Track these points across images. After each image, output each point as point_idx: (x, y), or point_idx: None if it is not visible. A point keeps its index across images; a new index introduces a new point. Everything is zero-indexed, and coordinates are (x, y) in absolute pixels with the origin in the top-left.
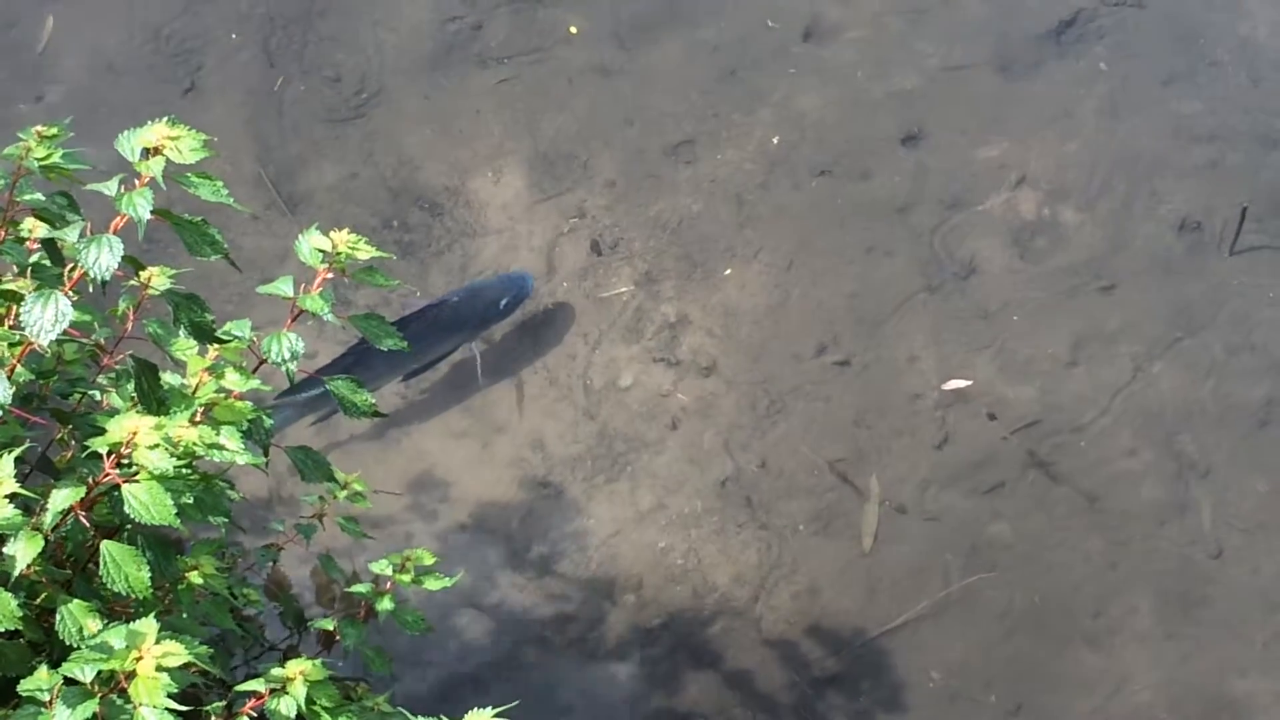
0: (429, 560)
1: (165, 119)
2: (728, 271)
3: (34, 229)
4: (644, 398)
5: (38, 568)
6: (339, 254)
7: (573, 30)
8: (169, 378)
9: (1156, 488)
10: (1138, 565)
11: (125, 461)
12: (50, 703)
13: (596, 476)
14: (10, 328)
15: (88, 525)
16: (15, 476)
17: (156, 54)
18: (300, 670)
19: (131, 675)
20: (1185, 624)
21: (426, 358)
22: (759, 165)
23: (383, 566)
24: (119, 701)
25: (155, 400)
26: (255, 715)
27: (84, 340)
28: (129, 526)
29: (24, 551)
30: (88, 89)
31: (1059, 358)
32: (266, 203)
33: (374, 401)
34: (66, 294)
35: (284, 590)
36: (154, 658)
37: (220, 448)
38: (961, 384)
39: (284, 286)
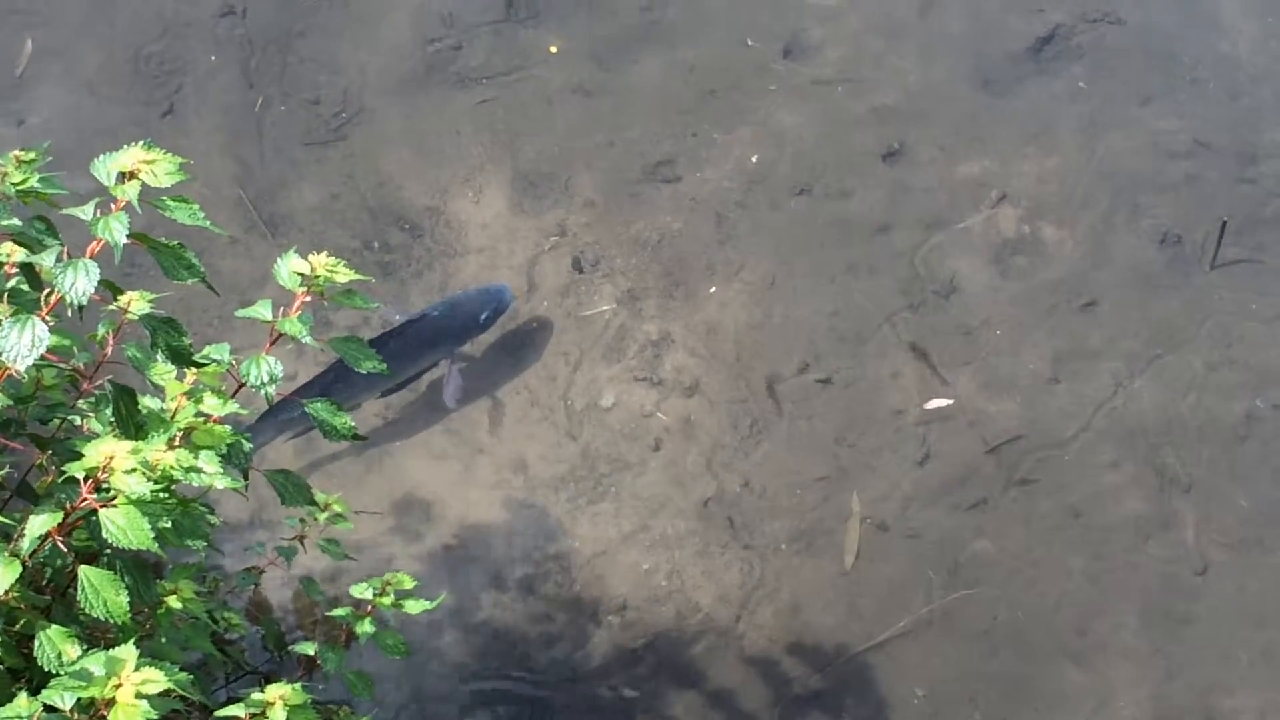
0: (409, 584)
1: (141, 143)
2: (712, 290)
3: (11, 253)
4: (626, 418)
5: (16, 594)
6: (317, 277)
7: (553, 50)
8: (148, 402)
9: (1139, 503)
10: (1121, 581)
11: (103, 486)
12: None
13: (579, 498)
14: None
15: (66, 550)
16: None
17: (136, 77)
18: (280, 695)
19: (111, 703)
20: (1170, 640)
21: (407, 373)
22: (739, 184)
23: (363, 590)
24: None
25: (134, 425)
26: None
27: (62, 365)
28: (108, 551)
29: (2, 577)
30: (67, 113)
31: (1040, 374)
32: (247, 225)
33: (354, 424)
34: (44, 319)
35: (265, 614)
36: (133, 684)
37: (198, 471)
38: (943, 403)
39: (262, 310)
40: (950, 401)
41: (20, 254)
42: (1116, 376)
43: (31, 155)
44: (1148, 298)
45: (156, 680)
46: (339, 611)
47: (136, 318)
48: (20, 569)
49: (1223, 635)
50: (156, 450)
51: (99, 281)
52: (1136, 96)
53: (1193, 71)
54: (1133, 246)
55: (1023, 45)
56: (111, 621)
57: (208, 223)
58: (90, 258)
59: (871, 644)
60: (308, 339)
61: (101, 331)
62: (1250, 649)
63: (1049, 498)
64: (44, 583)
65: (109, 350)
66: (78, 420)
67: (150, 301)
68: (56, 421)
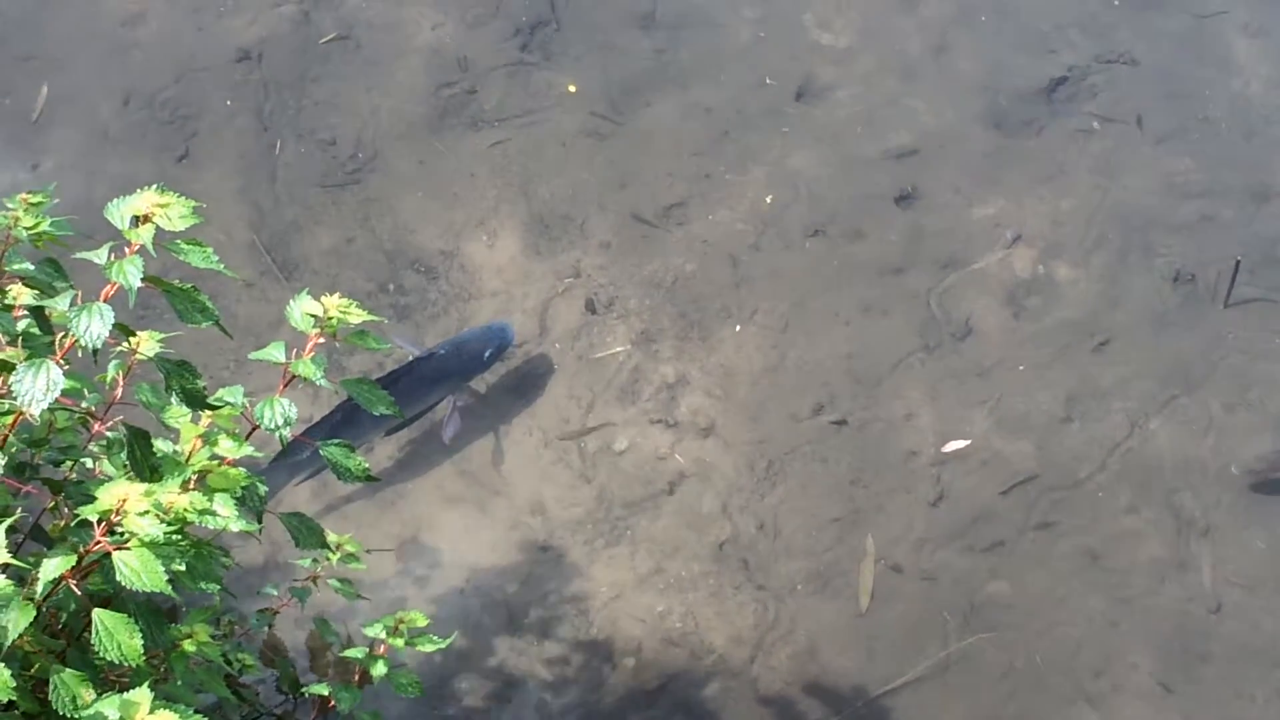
0: (422, 622)
1: (155, 186)
2: (727, 332)
3: (19, 295)
4: (640, 460)
5: (31, 638)
6: (330, 318)
7: (571, 89)
8: (161, 445)
9: (1156, 545)
10: (1138, 623)
11: (116, 529)
12: None
13: (595, 540)
14: (1, 397)
15: (80, 594)
16: (8, 546)
17: (151, 121)
18: None
19: None
20: (1186, 681)
21: (414, 410)
22: (752, 225)
23: (376, 629)
24: None
25: (148, 468)
26: None
27: (75, 409)
28: (121, 595)
29: (16, 622)
30: (82, 157)
31: (1055, 414)
32: (261, 269)
33: (367, 466)
34: (58, 362)
35: (279, 655)
36: None
37: (211, 513)
38: (961, 444)
39: (276, 352)
40: (967, 443)
41: (27, 296)
42: (1131, 416)
43: (39, 198)
44: (1162, 337)
45: None
46: (353, 652)
47: (147, 359)
48: (35, 613)
49: (1238, 675)
50: (170, 493)
51: (112, 325)
52: (1150, 137)
53: (1206, 112)
54: (1147, 286)
55: (1036, 86)
56: (126, 664)
57: (221, 266)
58: (104, 301)
59: (888, 688)
60: (322, 381)
61: (111, 373)
62: (1265, 687)
63: (1065, 539)
64: (59, 626)
65: (119, 392)
66: (89, 463)
67: (160, 342)
68: (69, 464)
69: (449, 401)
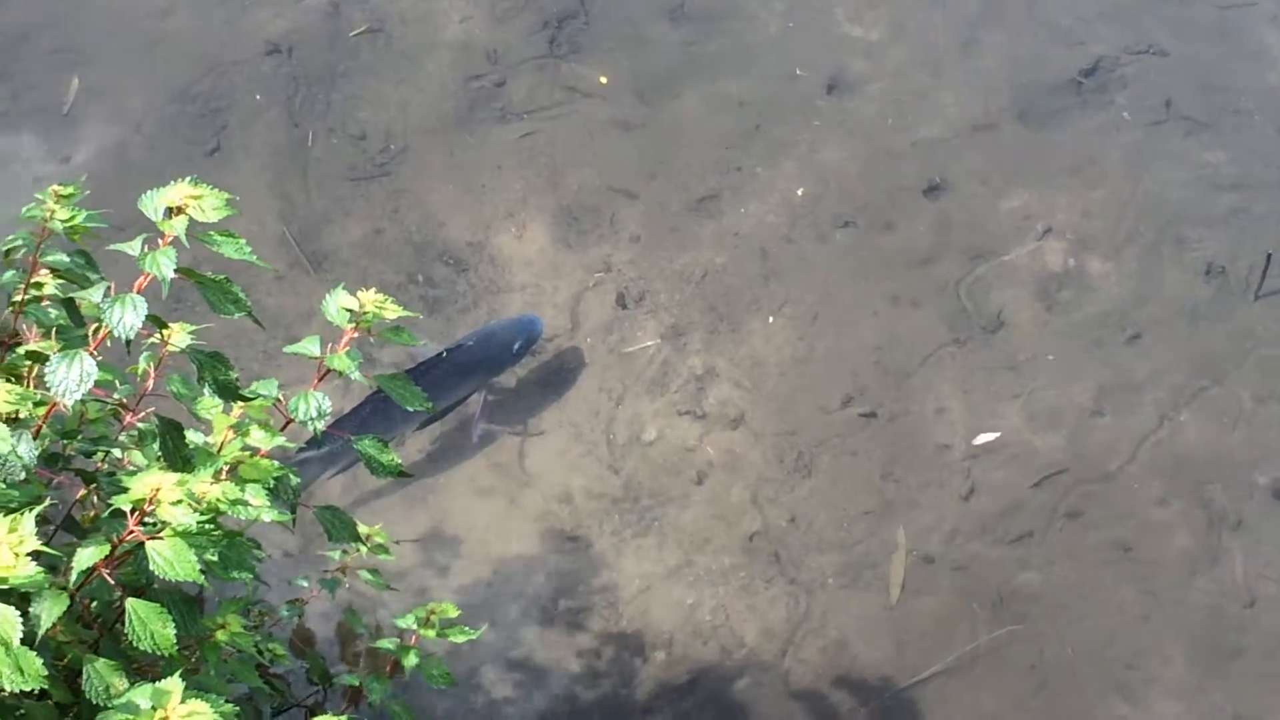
0: (453, 613)
1: (188, 178)
2: (757, 324)
3: (44, 284)
4: (669, 451)
5: (64, 627)
6: (365, 313)
7: (603, 80)
8: (193, 436)
9: (1187, 537)
10: (1170, 615)
11: (149, 519)
12: None
13: (624, 532)
14: (34, 387)
15: (112, 584)
16: (40, 536)
17: (181, 115)
18: None
19: None
20: (1218, 675)
21: (443, 404)
22: (783, 218)
23: (408, 620)
24: None
25: (180, 458)
26: None
27: (107, 400)
28: (154, 585)
29: (49, 611)
30: (114, 150)
31: (1085, 407)
32: (291, 261)
33: (400, 461)
34: (92, 353)
35: (310, 646)
36: (179, 717)
37: (244, 503)
38: (991, 437)
39: (311, 346)
40: (997, 435)
41: (52, 285)
42: (1161, 409)
43: (70, 190)
44: (1193, 330)
45: (203, 713)
46: (384, 643)
47: (179, 350)
48: (68, 602)
49: (1271, 669)
50: (202, 483)
51: (145, 316)
52: (1180, 128)
53: (1238, 104)
54: (1178, 279)
55: (1065, 78)
56: (159, 654)
57: (254, 257)
58: (137, 293)
59: (918, 679)
60: (356, 375)
61: (143, 365)
62: None
63: (1096, 531)
64: (93, 617)
65: (150, 384)
66: (119, 454)
67: (191, 334)
68: (101, 455)
69: (479, 398)
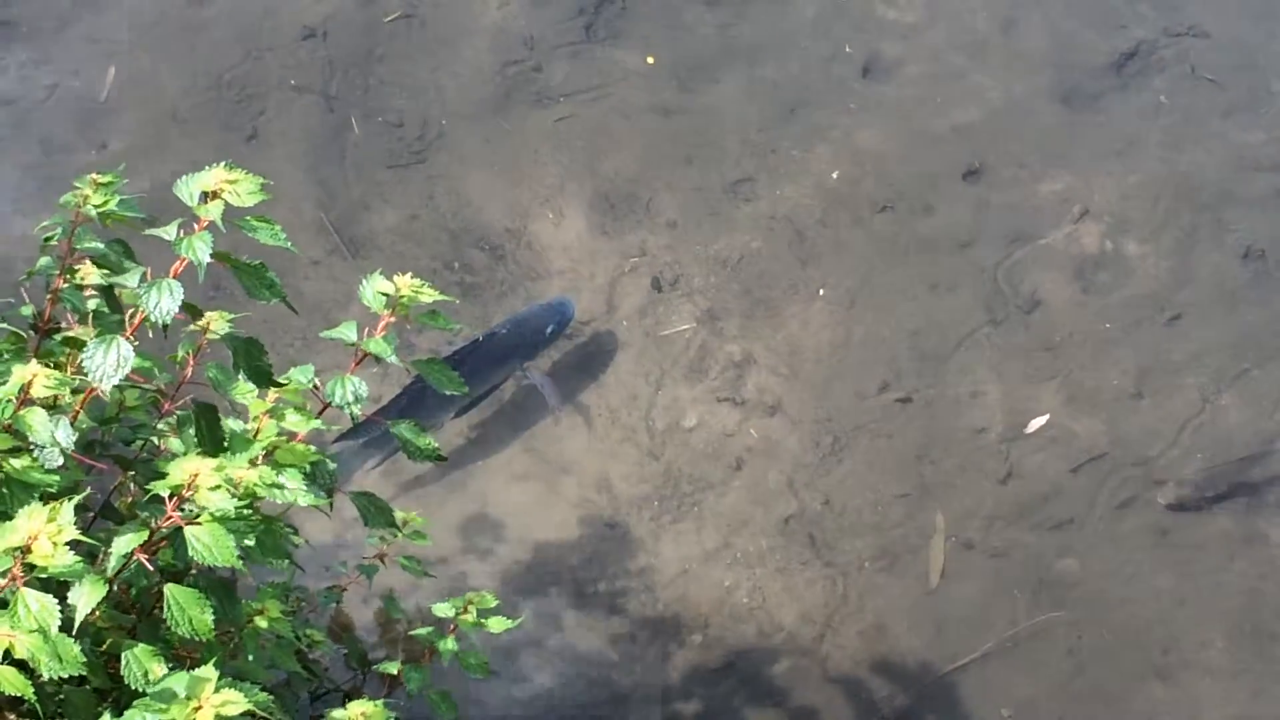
0: (491, 602)
1: (223, 164)
2: (804, 305)
3: (86, 274)
4: (708, 437)
5: (103, 613)
6: (402, 298)
7: (650, 60)
8: (230, 423)
9: (1226, 521)
10: (1208, 600)
11: (187, 505)
12: None
13: (663, 516)
14: (72, 374)
15: (151, 569)
16: (78, 523)
17: (218, 101)
18: (362, 712)
19: None
20: (1257, 659)
21: (479, 390)
22: (819, 201)
23: (445, 609)
24: None
25: (216, 443)
26: None
27: (145, 386)
28: (192, 571)
29: (88, 597)
30: (150, 137)
31: (1125, 390)
32: (329, 248)
33: (436, 445)
34: (128, 339)
35: (348, 632)
36: (213, 706)
37: (281, 488)
38: (1041, 422)
39: (347, 331)
40: (1046, 418)
41: (95, 275)
42: (1203, 392)
43: (109, 178)
44: (1233, 312)
45: (236, 702)
46: (422, 631)
47: (217, 338)
48: (107, 588)
49: None
50: (239, 468)
51: (182, 303)
52: (1220, 110)
53: (1276, 85)
54: (1217, 261)
55: (1105, 61)
56: (197, 639)
57: (288, 243)
58: (174, 278)
59: (957, 664)
60: (393, 358)
61: (181, 353)
62: None
63: (1135, 516)
64: (131, 603)
65: (189, 371)
66: (156, 441)
67: (230, 321)
68: (139, 442)
69: (536, 376)
